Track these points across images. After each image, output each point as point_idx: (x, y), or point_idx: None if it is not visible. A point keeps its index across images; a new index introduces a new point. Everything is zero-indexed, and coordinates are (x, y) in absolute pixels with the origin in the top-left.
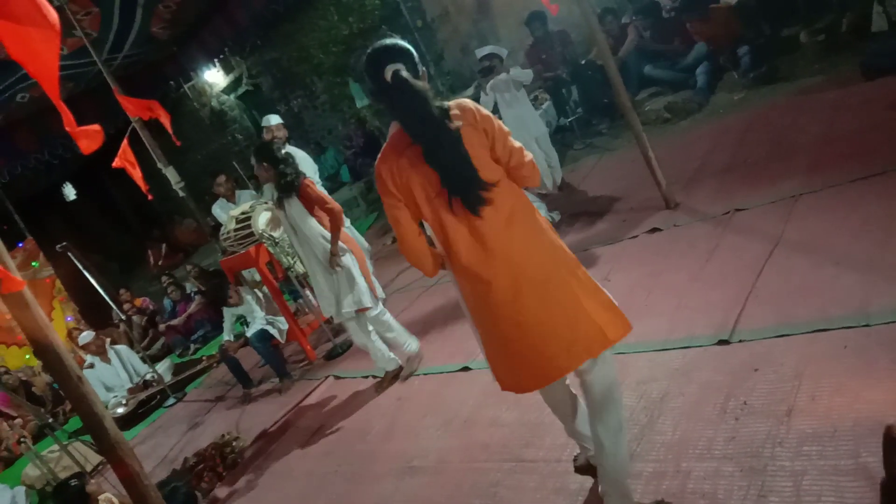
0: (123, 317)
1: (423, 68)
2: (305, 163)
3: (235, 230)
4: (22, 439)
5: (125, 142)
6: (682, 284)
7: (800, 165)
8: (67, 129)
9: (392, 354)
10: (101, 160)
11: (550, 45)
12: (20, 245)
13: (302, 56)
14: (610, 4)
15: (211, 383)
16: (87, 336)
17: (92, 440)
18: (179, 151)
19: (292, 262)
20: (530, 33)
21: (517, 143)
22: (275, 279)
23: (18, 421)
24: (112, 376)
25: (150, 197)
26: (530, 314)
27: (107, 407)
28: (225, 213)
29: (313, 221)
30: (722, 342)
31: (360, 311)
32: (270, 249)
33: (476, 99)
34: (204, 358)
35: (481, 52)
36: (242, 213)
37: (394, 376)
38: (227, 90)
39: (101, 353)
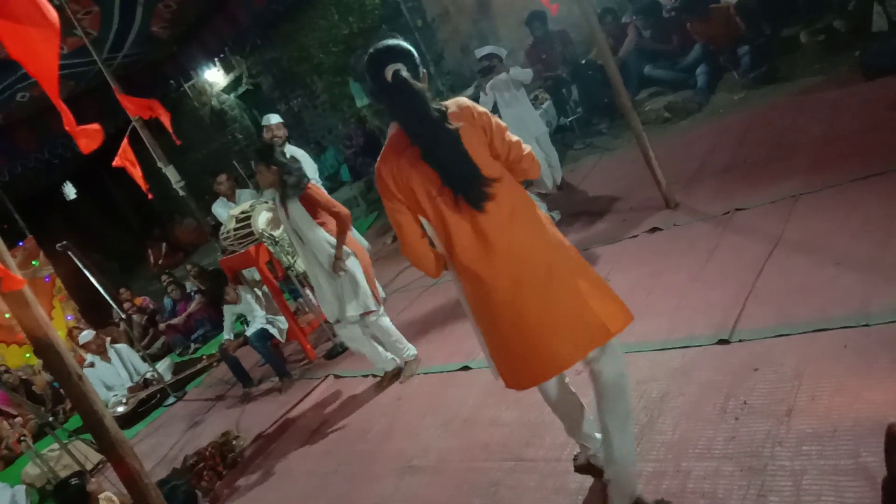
0: (123, 316)
1: (424, 70)
2: (305, 162)
3: (235, 229)
4: (22, 438)
5: (125, 141)
6: (682, 284)
7: (800, 165)
8: (67, 128)
9: (390, 354)
10: (102, 159)
11: (550, 45)
12: (20, 244)
13: (302, 55)
14: (610, 4)
15: (211, 382)
16: (87, 335)
17: (92, 439)
18: (179, 151)
19: (292, 261)
20: (530, 33)
21: (515, 137)
22: (275, 278)
23: (19, 419)
24: (112, 375)
25: (150, 196)
26: (533, 309)
27: (107, 406)
28: (225, 212)
29: (321, 230)
30: (722, 342)
31: (365, 314)
32: (270, 248)
33: (476, 99)
34: (204, 357)
35: (481, 51)
36: (242, 213)
37: (393, 376)
38: (228, 89)
39: (102, 351)
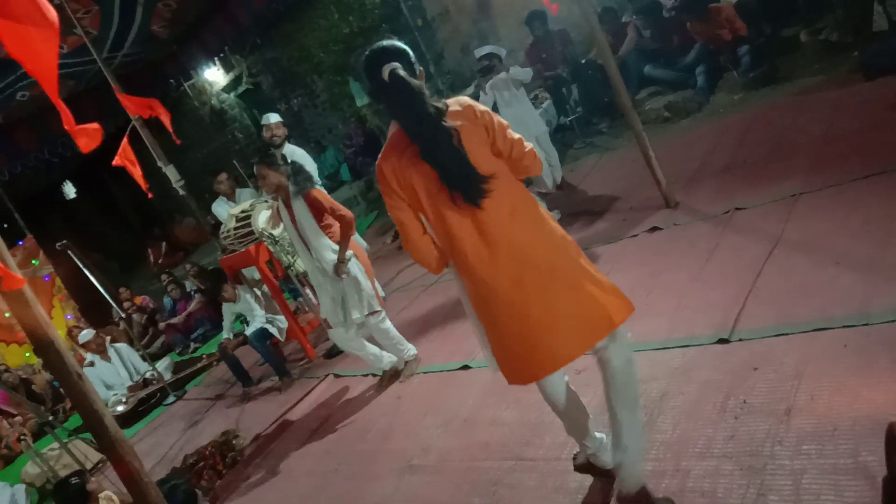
0: (123, 315)
1: (421, 68)
2: (305, 161)
3: (235, 228)
4: (22, 437)
5: (125, 140)
6: (681, 283)
7: (800, 165)
8: (66, 127)
9: (385, 354)
10: (102, 158)
11: (550, 45)
12: (20, 243)
13: (302, 55)
14: (610, 3)
15: (210, 381)
16: (86, 334)
17: (92, 438)
18: (179, 150)
19: (292, 260)
20: (530, 32)
21: (516, 135)
22: (275, 277)
23: (18, 419)
24: (112, 374)
25: (150, 195)
26: (537, 303)
27: (107, 405)
28: (225, 211)
29: (321, 230)
30: (722, 341)
31: (370, 314)
32: (270, 248)
33: (475, 98)
34: (204, 356)
35: (480, 51)
36: (242, 212)
37: (392, 375)
38: (228, 89)
39: (101, 351)
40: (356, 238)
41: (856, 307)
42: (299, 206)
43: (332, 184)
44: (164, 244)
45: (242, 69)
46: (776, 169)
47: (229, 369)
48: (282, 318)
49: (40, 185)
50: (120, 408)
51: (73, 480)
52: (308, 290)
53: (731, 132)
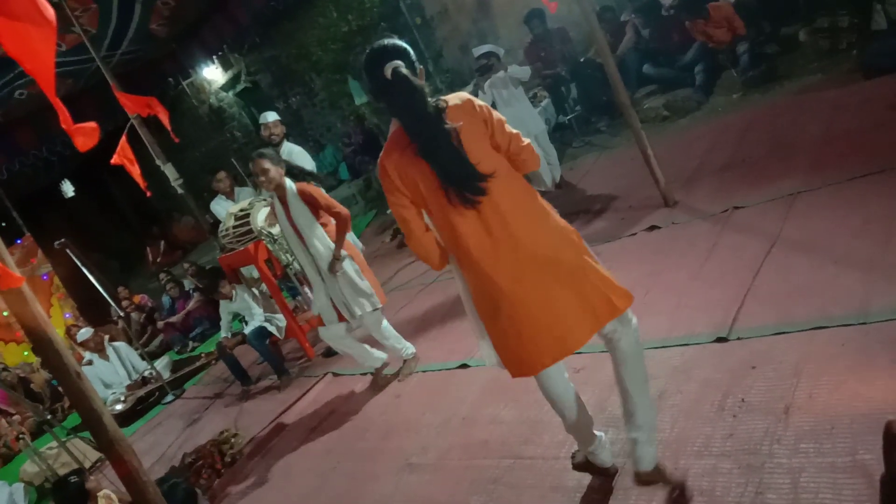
0: (122, 314)
1: (421, 66)
2: (304, 159)
3: (234, 227)
4: (20, 436)
5: (124, 139)
6: (680, 282)
7: (799, 164)
8: (64, 126)
9: (377, 351)
10: (100, 157)
11: (549, 43)
12: (19, 242)
13: (301, 53)
14: (609, 2)
15: (209, 380)
16: (85, 333)
17: (91, 437)
18: (178, 148)
19: (291, 259)
20: (529, 31)
21: (514, 130)
22: (273, 276)
23: (17, 417)
24: (111, 373)
25: (148, 194)
26: (541, 294)
27: (105, 404)
28: (224, 210)
29: (321, 231)
30: (720, 340)
31: (374, 310)
32: (269, 246)
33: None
34: (202, 355)
35: (478, 50)
36: (241, 210)
37: (386, 372)
38: (226, 87)
39: (100, 349)
40: (352, 239)
41: (854, 306)
42: (295, 201)
43: (331, 182)
44: (162, 243)
45: (241, 67)
46: (775, 168)
47: (228, 368)
48: (280, 316)
49: (39, 183)
50: (118, 406)
51: (72, 479)
52: (307, 289)
53: (729, 131)
